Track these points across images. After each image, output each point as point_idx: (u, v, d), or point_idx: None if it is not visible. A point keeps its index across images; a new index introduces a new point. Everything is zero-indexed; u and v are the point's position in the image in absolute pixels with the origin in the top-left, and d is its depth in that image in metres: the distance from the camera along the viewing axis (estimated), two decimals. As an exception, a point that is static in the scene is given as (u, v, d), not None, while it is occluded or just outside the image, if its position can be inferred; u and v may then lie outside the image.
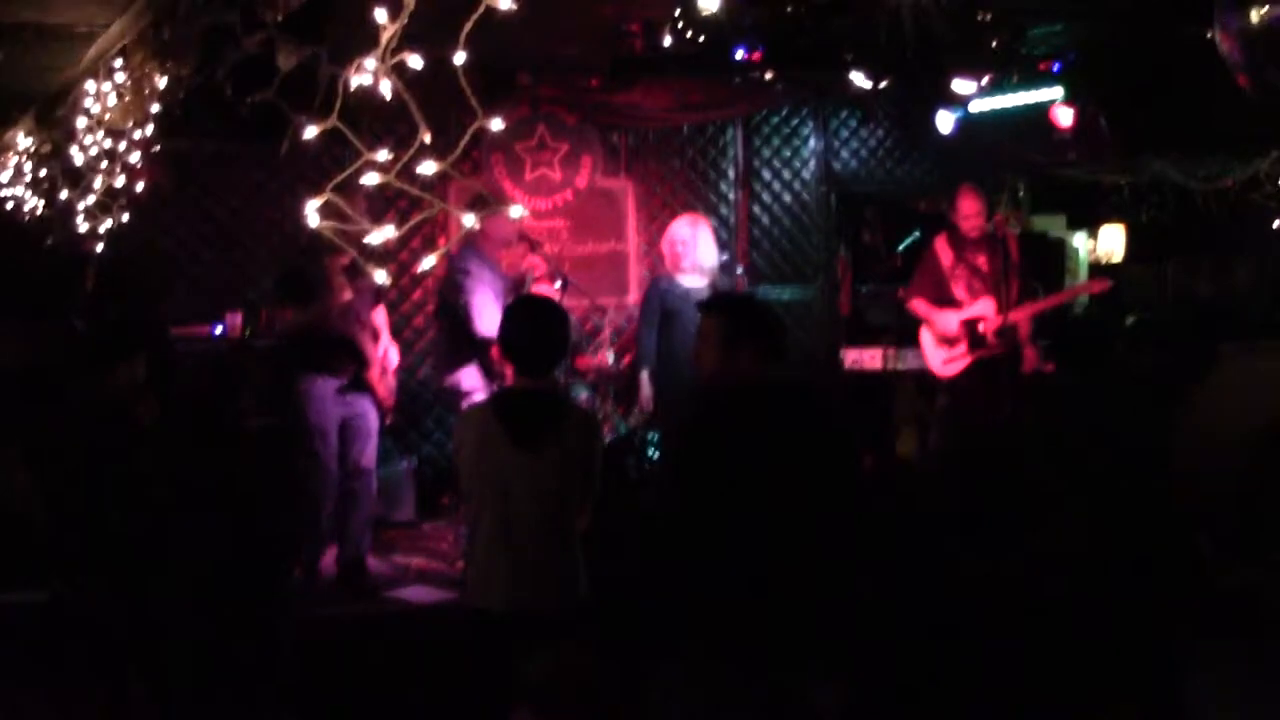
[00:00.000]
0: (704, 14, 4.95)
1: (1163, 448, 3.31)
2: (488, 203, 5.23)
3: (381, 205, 6.24)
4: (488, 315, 5.20)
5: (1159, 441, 3.36)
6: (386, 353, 5.27)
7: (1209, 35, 4.08)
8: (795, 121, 7.57)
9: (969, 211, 6.02)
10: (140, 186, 5.35)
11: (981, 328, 6.00)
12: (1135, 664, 3.07)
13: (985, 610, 3.37)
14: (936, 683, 3.21)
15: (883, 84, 5.98)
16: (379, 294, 5.30)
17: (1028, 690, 3.09)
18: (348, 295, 4.93)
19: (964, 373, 6.09)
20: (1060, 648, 3.10)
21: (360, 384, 5.06)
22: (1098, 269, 9.09)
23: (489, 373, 5.37)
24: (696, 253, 5.55)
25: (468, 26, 2.81)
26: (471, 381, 5.40)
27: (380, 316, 5.33)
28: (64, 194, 5.38)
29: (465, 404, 5.32)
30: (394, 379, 5.34)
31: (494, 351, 5.24)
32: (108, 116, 4.91)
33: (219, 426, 3.66)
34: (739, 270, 6.43)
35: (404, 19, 2.82)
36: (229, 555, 3.48)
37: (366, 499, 5.14)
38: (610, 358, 5.96)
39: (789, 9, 5.24)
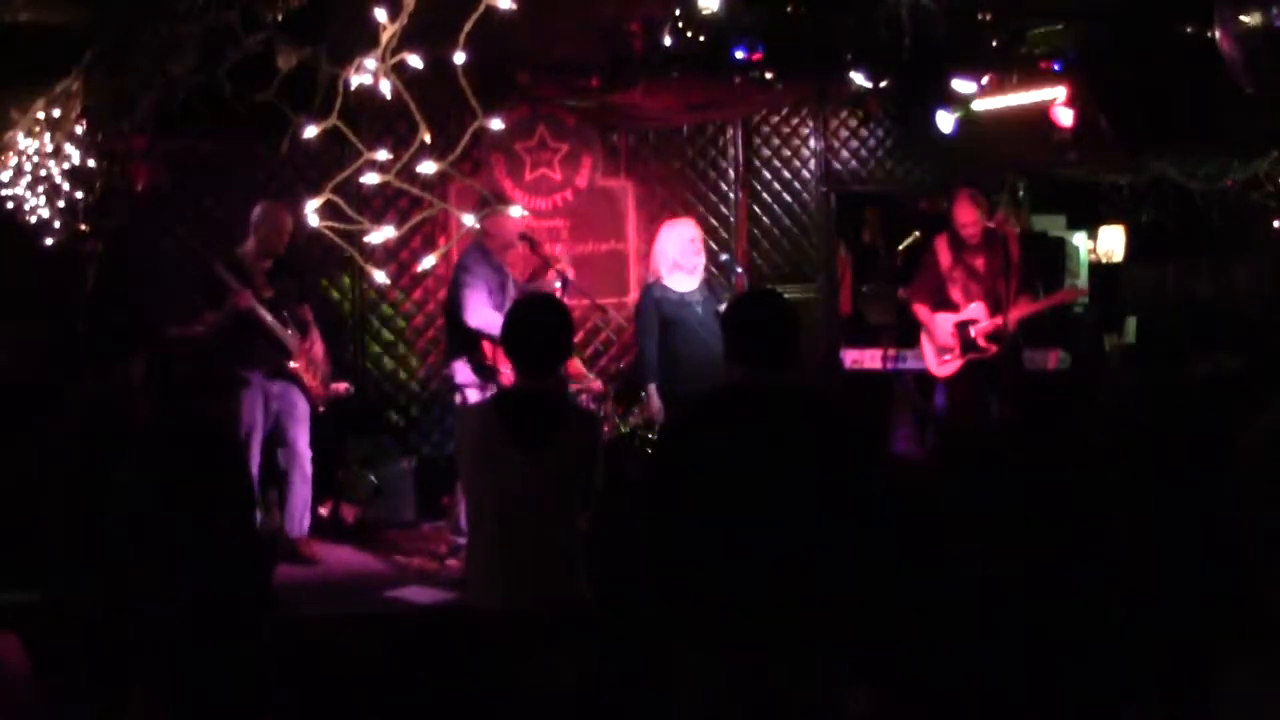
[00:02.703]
0: (704, 14, 4.96)
1: (1233, 452, 3.28)
2: (491, 204, 5.29)
3: (381, 205, 6.26)
4: (478, 309, 5.31)
5: (1231, 446, 3.33)
6: (314, 345, 5.66)
7: (1209, 35, 4.08)
8: (795, 121, 7.56)
9: (965, 220, 6.04)
10: (140, 186, 5.36)
11: (973, 331, 6.02)
12: (1167, 667, 3.05)
13: (991, 612, 3.36)
14: (954, 686, 3.20)
15: (883, 84, 5.99)
16: (304, 292, 5.74)
17: (1052, 693, 3.09)
18: (268, 293, 5.38)
19: (957, 374, 6.14)
20: (1089, 650, 3.09)
21: (284, 374, 5.47)
22: (1098, 269, 9.09)
23: (479, 368, 5.42)
24: (675, 253, 5.56)
25: (468, 26, 2.80)
26: (464, 375, 5.47)
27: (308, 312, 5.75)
28: (64, 194, 5.37)
29: (458, 398, 5.49)
30: (327, 368, 5.73)
31: (485, 345, 5.37)
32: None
33: (209, 426, 3.66)
34: (738, 270, 6.42)
35: (404, 19, 2.82)
36: (217, 554, 3.49)
37: (303, 480, 5.56)
38: (600, 385, 5.96)
39: (789, 9, 5.24)
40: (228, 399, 5.11)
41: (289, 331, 5.48)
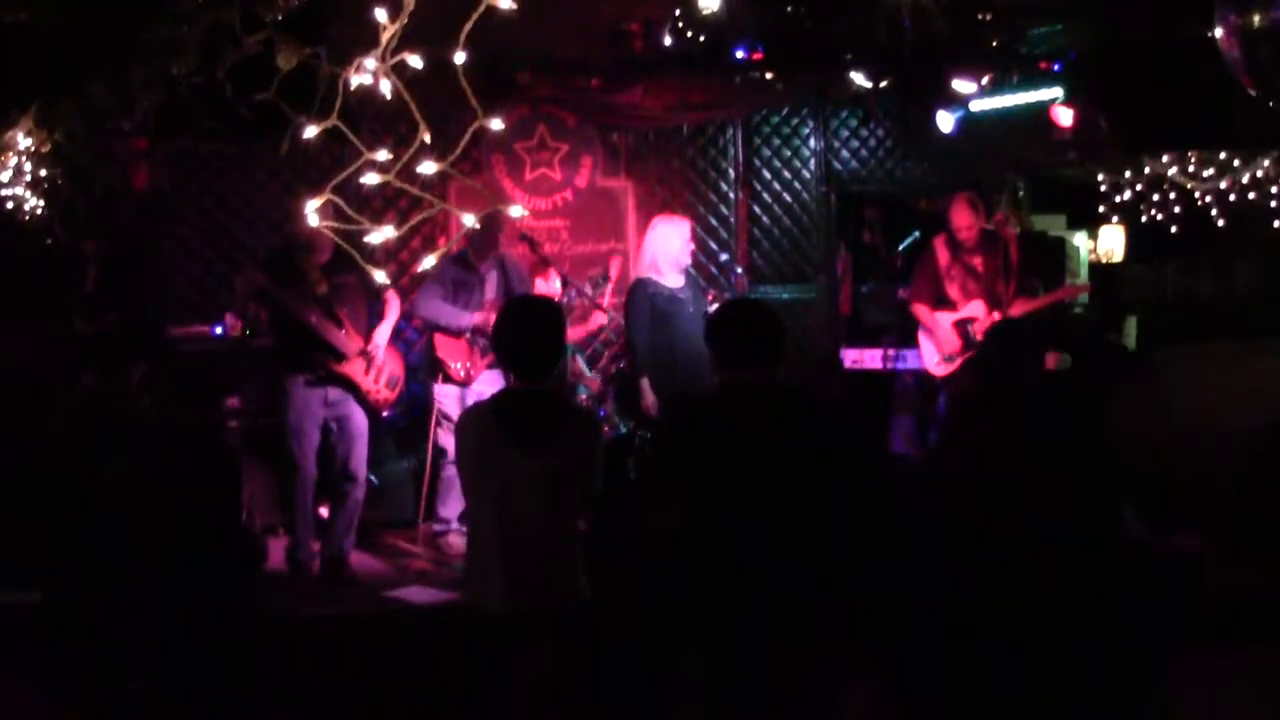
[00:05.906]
0: (704, 14, 4.96)
1: (1106, 451, 3.31)
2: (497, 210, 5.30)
3: (381, 205, 6.27)
4: (428, 302, 5.54)
5: (1100, 445, 3.35)
6: (378, 345, 5.28)
7: (1209, 35, 4.08)
8: (795, 121, 7.56)
9: (961, 224, 6.04)
10: (140, 186, 5.36)
11: (973, 329, 6.03)
12: (1116, 669, 3.07)
13: (990, 611, 3.37)
14: (954, 686, 3.20)
15: (883, 84, 5.99)
16: (369, 289, 5.29)
17: (1018, 693, 3.09)
18: (322, 289, 5.08)
19: (956, 373, 6.14)
20: (1039, 652, 3.10)
21: (335, 378, 5.14)
22: (1098, 269, 9.09)
23: (429, 360, 5.62)
24: (673, 249, 5.57)
25: (468, 26, 2.81)
26: (419, 360, 5.79)
27: (392, 310, 5.46)
28: (64, 194, 5.37)
29: (434, 382, 5.65)
30: (394, 369, 5.41)
31: (436, 338, 5.59)
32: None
33: (204, 427, 3.67)
34: (738, 270, 6.41)
35: (404, 19, 2.83)
36: (204, 555, 3.51)
37: (349, 500, 5.24)
38: (599, 384, 5.97)
39: (789, 9, 5.25)
40: (220, 404, 5.03)
41: (342, 331, 5.11)
